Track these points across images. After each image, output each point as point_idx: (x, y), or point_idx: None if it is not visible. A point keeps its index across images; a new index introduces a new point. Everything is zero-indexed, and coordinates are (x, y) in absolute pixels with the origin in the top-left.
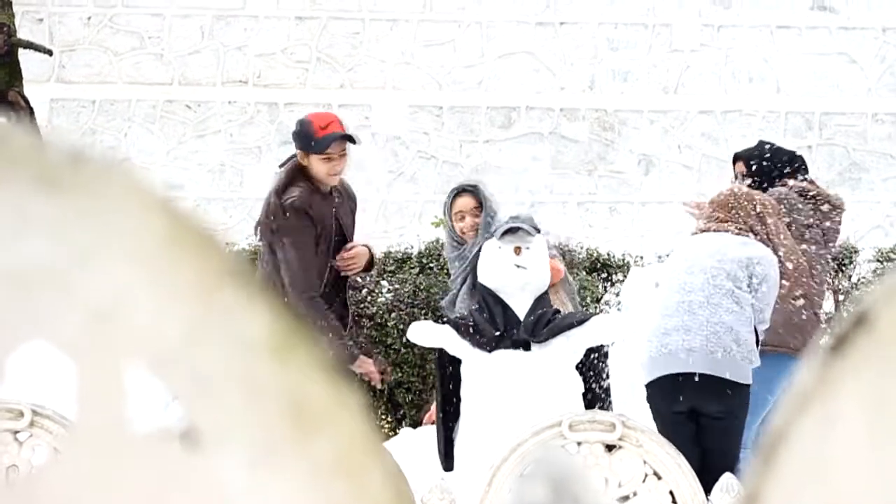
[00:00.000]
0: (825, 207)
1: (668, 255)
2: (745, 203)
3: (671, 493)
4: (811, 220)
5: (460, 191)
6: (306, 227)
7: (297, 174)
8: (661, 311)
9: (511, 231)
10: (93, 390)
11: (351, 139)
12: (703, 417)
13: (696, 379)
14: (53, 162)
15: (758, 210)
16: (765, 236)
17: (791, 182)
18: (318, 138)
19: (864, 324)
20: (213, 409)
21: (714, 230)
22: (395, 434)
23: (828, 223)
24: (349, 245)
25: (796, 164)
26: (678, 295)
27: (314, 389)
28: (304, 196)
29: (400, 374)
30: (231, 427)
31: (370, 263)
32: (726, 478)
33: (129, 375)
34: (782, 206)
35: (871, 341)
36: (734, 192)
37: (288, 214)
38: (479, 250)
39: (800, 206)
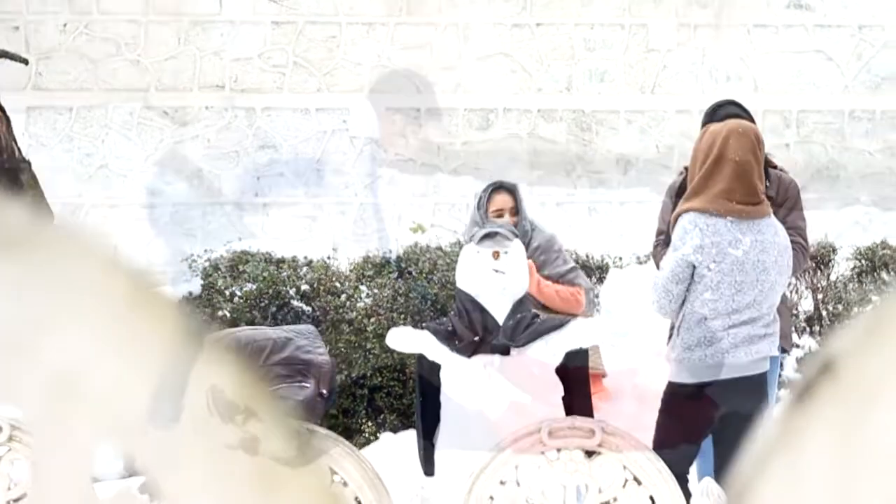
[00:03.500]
0: None
1: (646, 257)
2: None
3: (651, 498)
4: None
5: (498, 187)
6: None
7: None
8: None
9: (489, 236)
10: (54, 458)
11: None
12: (734, 417)
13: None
14: (14, 224)
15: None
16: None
17: (775, 163)
18: None
19: (828, 372)
20: (176, 471)
21: None
22: (376, 439)
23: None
24: None
25: None
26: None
27: (277, 445)
28: None
29: (380, 379)
30: (195, 486)
31: None
32: (706, 482)
33: (92, 442)
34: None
35: (835, 389)
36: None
37: None
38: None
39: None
